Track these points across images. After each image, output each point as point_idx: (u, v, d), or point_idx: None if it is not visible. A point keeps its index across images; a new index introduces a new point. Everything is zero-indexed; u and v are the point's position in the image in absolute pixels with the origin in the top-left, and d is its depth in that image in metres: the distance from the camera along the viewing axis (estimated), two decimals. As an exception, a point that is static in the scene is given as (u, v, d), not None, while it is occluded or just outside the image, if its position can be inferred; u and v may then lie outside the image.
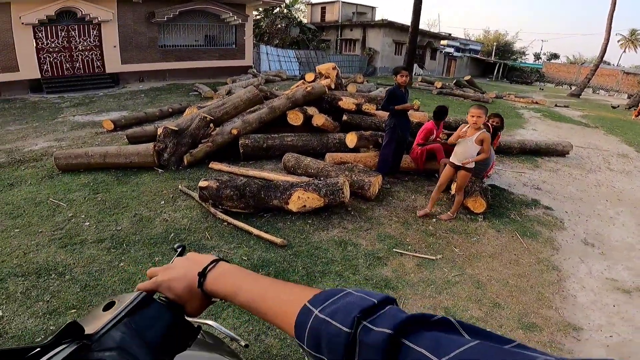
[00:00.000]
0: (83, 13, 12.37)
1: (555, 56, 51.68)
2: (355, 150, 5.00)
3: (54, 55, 12.59)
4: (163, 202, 3.85)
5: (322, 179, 4.08)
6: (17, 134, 6.73)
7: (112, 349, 0.49)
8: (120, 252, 2.92)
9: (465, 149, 3.43)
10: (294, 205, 3.54)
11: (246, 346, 0.83)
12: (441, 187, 3.70)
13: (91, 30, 13.02)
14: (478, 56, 37.35)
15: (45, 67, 12.51)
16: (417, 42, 16.38)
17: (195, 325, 0.60)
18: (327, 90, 5.36)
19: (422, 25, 26.41)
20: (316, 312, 0.40)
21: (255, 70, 17.44)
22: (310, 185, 3.66)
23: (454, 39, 36.34)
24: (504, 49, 43.40)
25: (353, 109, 5.40)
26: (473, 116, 3.32)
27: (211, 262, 0.56)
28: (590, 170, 6.02)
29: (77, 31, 12.77)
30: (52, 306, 2.30)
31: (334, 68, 5.98)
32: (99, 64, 13.56)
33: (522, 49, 48.27)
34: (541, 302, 2.63)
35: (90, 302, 2.34)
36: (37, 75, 12.29)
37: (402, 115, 4.33)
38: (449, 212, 3.78)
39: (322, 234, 3.36)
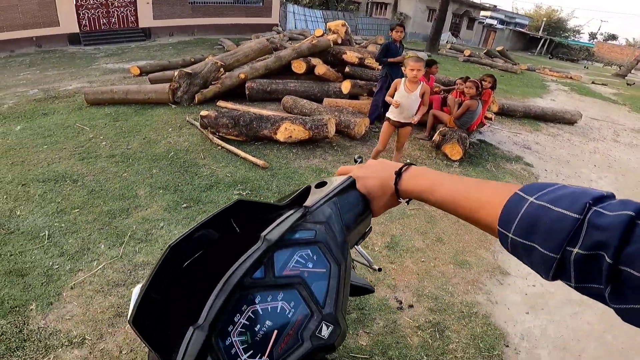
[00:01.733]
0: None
1: (613, 37, 47.35)
2: (354, 97, 5.27)
3: (92, 11, 13.22)
4: (170, 129, 4.39)
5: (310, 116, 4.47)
6: (54, 77, 7.45)
7: (322, 222, 0.54)
8: (126, 165, 3.44)
9: (410, 105, 3.28)
10: (281, 135, 3.98)
11: (379, 269, 0.84)
12: (381, 145, 3.53)
13: (127, -13, 13.47)
14: (522, 30, 34.81)
15: (83, 22, 13.20)
16: (447, 10, 15.62)
17: None
18: (332, 44, 5.56)
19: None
20: (531, 199, 0.39)
21: (280, 28, 17.43)
22: (297, 119, 4.07)
23: (499, 10, 33.93)
24: (555, 26, 40.18)
25: (356, 62, 5.60)
26: (412, 69, 3.11)
27: (404, 165, 0.58)
28: (593, 139, 5.96)
29: (114, -13, 13.27)
30: (61, 207, 2.71)
31: (343, 25, 6.11)
32: (132, 19, 14.12)
33: (578, 27, 44.49)
34: (481, 243, 2.83)
35: (92, 204, 2.75)
36: (76, 29, 13.03)
37: (394, 67, 4.51)
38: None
39: (303, 162, 3.78)
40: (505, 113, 6.31)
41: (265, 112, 4.88)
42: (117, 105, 5.18)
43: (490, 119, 5.67)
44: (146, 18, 14.26)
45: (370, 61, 5.77)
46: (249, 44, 5.85)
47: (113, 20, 13.80)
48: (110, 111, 4.95)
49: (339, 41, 5.91)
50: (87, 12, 13.10)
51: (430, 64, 4.63)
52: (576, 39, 40.99)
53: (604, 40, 44.66)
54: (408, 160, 3.35)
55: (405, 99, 3.25)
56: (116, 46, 12.81)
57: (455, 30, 26.87)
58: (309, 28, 20.21)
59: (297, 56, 5.46)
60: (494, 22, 32.61)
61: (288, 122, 4.04)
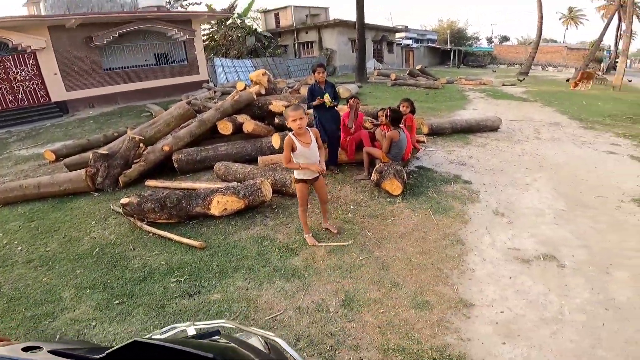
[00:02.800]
0: (14, 43, 12.05)
1: (505, 38, 54.28)
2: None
3: None
4: (94, 222, 3.95)
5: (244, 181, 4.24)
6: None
7: None
8: (46, 268, 3.16)
9: (313, 156, 2.91)
10: (215, 209, 3.69)
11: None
12: (303, 205, 3.14)
13: (27, 60, 12.68)
14: (434, 45, 38.51)
15: None
16: (364, 38, 16.76)
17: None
18: (254, 96, 5.47)
19: (378, 21, 27.06)
20: None
21: (211, 84, 17.40)
22: (228, 189, 3.82)
23: (410, 30, 37.36)
24: (459, 36, 44.97)
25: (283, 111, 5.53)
26: (295, 120, 2.75)
27: None
28: (518, 141, 6.39)
29: (12, 62, 12.42)
30: (-19, 317, 2.48)
31: (264, 74, 6.11)
32: (42, 93, 13.21)
33: (475, 34, 50.33)
34: (438, 279, 2.73)
35: (13, 311, 2.64)
36: None
37: (321, 110, 4.47)
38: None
39: (243, 232, 3.49)
40: (436, 132, 6.58)
41: (198, 185, 4.57)
42: (31, 203, 4.65)
43: (423, 142, 5.84)
44: (58, 91, 13.42)
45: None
46: (169, 111, 5.57)
47: (20, 96, 12.80)
48: (23, 210, 4.46)
49: (263, 91, 5.85)
50: (-12, 91, 12.00)
51: (349, 99, 4.68)
52: (478, 45, 46.07)
53: (499, 42, 50.72)
54: (352, 207, 3.29)
55: (307, 153, 2.89)
56: (30, 126, 11.74)
57: (378, 56, 28.88)
58: (243, 79, 20.48)
59: (222, 116, 5.27)
60: (409, 42, 35.71)
61: (219, 195, 3.78)
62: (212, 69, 19.19)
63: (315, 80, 4.50)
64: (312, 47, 26.92)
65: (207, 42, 24.49)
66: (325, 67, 4.52)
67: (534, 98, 11.72)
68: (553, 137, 6.72)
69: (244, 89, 5.80)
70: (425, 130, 6.59)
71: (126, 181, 4.94)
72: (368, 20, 19.44)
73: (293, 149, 2.86)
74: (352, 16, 16.96)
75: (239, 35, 23.49)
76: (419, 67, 18.49)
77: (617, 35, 34.09)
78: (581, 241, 3.18)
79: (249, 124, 5.17)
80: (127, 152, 5.02)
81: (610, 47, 33.80)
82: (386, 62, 29.15)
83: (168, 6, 20.39)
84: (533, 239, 3.24)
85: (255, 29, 26.25)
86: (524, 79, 16.71)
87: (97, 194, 4.75)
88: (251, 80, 6.17)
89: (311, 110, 4.62)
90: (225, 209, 3.73)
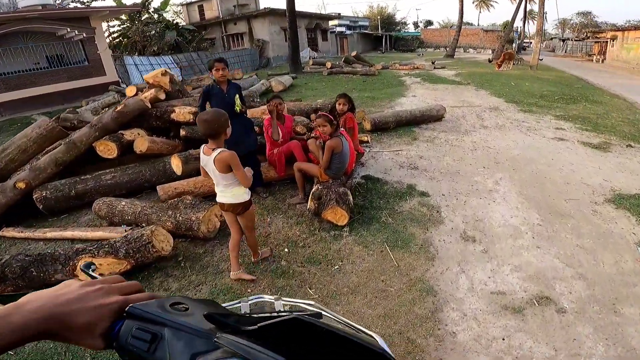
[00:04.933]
0: None
1: (429, 23, 57.05)
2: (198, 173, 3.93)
3: None
4: None
5: (133, 229, 3.03)
6: None
7: None
8: None
9: (218, 182, 2.32)
10: (85, 275, 2.41)
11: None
12: (236, 232, 2.49)
13: None
14: (366, 31, 38.69)
15: None
16: (296, 27, 15.65)
17: None
18: (148, 104, 4.13)
19: (311, 9, 26.03)
20: None
21: (123, 85, 15.01)
22: (101, 248, 2.61)
23: (343, 17, 36.95)
24: (388, 22, 45.96)
25: (191, 120, 4.27)
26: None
27: None
28: (466, 131, 5.88)
29: None
30: None
31: (164, 74, 4.73)
32: None
33: (403, 19, 52.00)
34: (412, 355, 1.93)
35: None
36: None
37: (230, 117, 3.34)
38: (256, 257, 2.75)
39: None
40: (379, 128, 5.81)
41: (70, 233, 3.27)
42: None
43: (367, 142, 5.02)
44: None
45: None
46: (24, 132, 3.99)
47: None
48: None
49: (162, 96, 4.52)
50: None
51: (270, 101, 3.62)
52: (406, 30, 47.71)
53: (424, 26, 53.08)
54: (286, 249, 2.22)
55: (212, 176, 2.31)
56: None
57: (313, 45, 27.93)
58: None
59: (101, 134, 3.87)
60: (343, 29, 35.32)
61: (87, 258, 2.57)
62: (123, 69, 16.63)
63: (213, 80, 3.35)
64: (242, 38, 25.09)
65: (118, 40, 21.53)
66: (226, 62, 3.32)
67: (467, 81, 11.68)
68: (497, 124, 6.35)
69: (135, 94, 4.42)
70: (367, 126, 5.78)
71: (-38, 239, 3.40)
72: (299, 8, 18.33)
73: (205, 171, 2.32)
74: (283, 4, 15.67)
75: (158, 30, 20.87)
76: (353, 53, 17.93)
77: (524, 17, 37.26)
78: (573, 269, 2.55)
79: (141, 142, 3.85)
80: (-45, 199, 3.44)
81: (518, 29, 36.67)
82: (321, 51, 28.36)
83: (57, 3, 17.12)
84: (518, 273, 2.53)
85: (177, 23, 23.70)
86: (434, 62, 17.04)
87: None
88: (147, 83, 4.77)
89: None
90: (102, 274, 2.51)
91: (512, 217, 3.33)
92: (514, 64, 17.45)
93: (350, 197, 3.17)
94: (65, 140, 3.82)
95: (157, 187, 3.63)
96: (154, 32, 20.74)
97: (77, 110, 6.89)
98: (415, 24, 55.65)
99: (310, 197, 3.13)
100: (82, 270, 0.64)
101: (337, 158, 3.15)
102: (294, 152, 3.55)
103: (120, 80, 15.62)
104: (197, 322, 0.46)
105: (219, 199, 2.40)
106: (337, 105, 3.91)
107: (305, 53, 25.26)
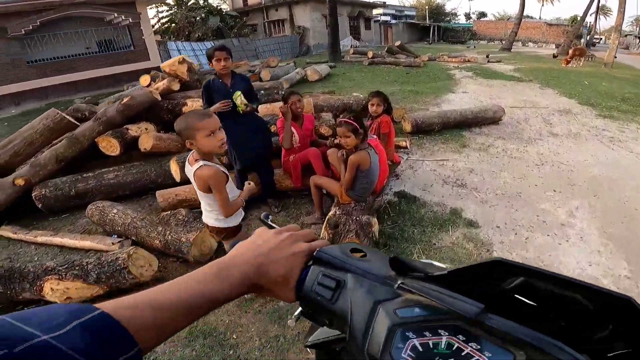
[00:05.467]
0: None
1: (483, 14, 53.38)
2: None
3: None
4: None
5: (122, 241, 2.63)
6: None
7: None
8: None
9: (200, 199, 1.87)
10: (54, 297, 2.18)
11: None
12: None
13: None
14: (412, 21, 36.72)
15: None
16: (336, 14, 14.82)
17: None
18: (157, 96, 3.69)
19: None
20: None
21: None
22: (70, 269, 2.23)
23: (388, 6, 35.27)
24: (437, 12, 43.54)
25: (205, 115, 3.79)
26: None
27: None
28: (530, 140, 4.87)
29: None
30: None
31: (181, 62, 4.29)
32: (-43, 91, 10.85)
33: (453, 10, 49.09)
34: None
35: None
36: None
37: (228, 118, 2.72)
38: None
39: None
40: (421, 130, 4.99)
41: (58, 240, 2.96)
42: None
43: (406, 147, 4.26)
44: (-27, 89, 11.09)
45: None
46: (32, 124, 3.73)
47: None
48: None
49: (176, 87, 4.07)
50: None
51: (285, 99, 2.99)
52: (457, 22, 44.88)
53: (477, 18, 49.61)
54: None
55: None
56: None
57: (355, 33, 26.85)
58: (203, 62, 18.26)
59: (107, 128, 3.51)
60: (388, 18, 33.71)
61: (53, 279, 2.21)
62: (167, 54, 16.87)
63: (215, 74, 2.78)
64: (283, 25, 24.64)
65: (167, 26, 21.99)
66: (229, 51, 2.68)
67: (528, 77, 10.24)
68: (570, 131, 5.23)
69: (149, 85, 4.03)
70: (407, 127, 4.98)
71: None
72: (343, -6, 17.44)
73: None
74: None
75: (203, 16, 20.99)
76: (397, 43, 16.70)
77: (596, 12, 33.33)
78: None
79: (145, 139, 3.43)
80: (-45, 191, 3.25)
81: (588, 24, 33.00)
82: (363, 40, 27.19)
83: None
84: None
85: (220, 9, 23.72)
86: (488, 55, 15.23)
87: None
88: (164, 71, 4.36)
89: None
90: (69, 297, 2.18)
91: (591, 264, 2.49)
92: (586, 60, 15.33)
93: (376, 227, 2.49)
94: (67, 135, 3.50)
95: (157, 192, 3.19)
96: (198, 17, 20.88)
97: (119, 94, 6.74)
98: (467, 15, 52.26)
99: (324, 224, 2.50)
100: (261, 220, 0.61)
101: (362, 177, 2.47)
102: (311, 161, 2.92)
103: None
104: (377, 269, 0.43)
105: (203, 218, 1.97)
106: (369, 105, 3.20)
107: (347, 41, 24.30)
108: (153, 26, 21.28)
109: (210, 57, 2.64)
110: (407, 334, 0.34)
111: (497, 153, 4.40)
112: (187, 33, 21.15)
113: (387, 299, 0.38)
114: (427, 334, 0.33)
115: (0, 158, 3.60)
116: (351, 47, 21.12)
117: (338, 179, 2.75)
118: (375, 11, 30.97)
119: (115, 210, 2.90)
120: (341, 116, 2.52)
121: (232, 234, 1.93)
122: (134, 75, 13.85)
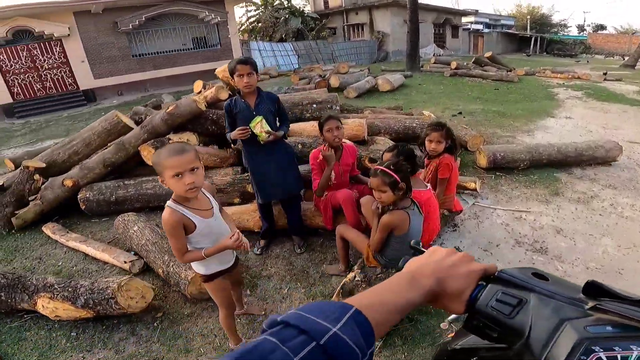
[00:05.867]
0: (37, 31, 11.59)
1: (601, 27, 45.86)
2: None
3: (22, 76, 12.02)
4: None
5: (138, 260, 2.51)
6: None
7: None
8: None
9: (219, 230, 1.63)
10: (46, 312, 2.19)
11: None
12: (229, 309, 1.82)
13: (53, 47, 12.27)
14: (509, 31, 33.12)
15: (14, 90, 11.98)
16: (417, 21, 13.83)
17: None
18: (203, 107, 3.56)
19: (443, 2, 23.46)
20: None
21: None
22: (64, 290, 2.16)
23: (481, 15, 32.40)
24: (541, 22, 38.82)
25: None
26: (175, 170, 1.39)
27: None
28: (651, 194, 3.65)
29: (38, 49, 12.08)
30: None
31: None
32: (70, 81, 12.85)
33: (563, 21, 43.26)
34: None
35: None
36: (8, 99, 11.80)
37: (252, 146, 2.39)
38: None
39: (76, 356, 1.93)
40: (500, 166, 4.09)
41: (85, 248, 2.99)
42: None
43: (474, 189, 3.48)
44: (85, 78, 12.95)
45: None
46: (91, 125, 3.93)
47: (48, 84, 12.52)
48: None
49: (224, 96, 3.91)
50: (16, 78, 11.85)
51: (321, 125, 2.51)
52: (566, 33, 39.38)
53: (593, 31, 42.75)
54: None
55: (212, 226, 1.56)
56: (47, 116, 11.36)
57: (440, 41, 25.14)
58: (281, 64, 18.82)
59: (151, 136, 3.50)
60: (480, 26, 30.98)
61: (45, 297, 2.18)
62: (247, 54, 17.76)
63: (237, 92, 2.43)
64: (362, 29, 24.20)
65: (254, 25, 23.25)
66: (254, 64, 2.29)
67: (659, 102, 8.12)
68: None
69: (200, 92, 3.94)
70: (482, 162, 4.11)
71: (20, 224, 3.53)
72: (429, 1, 16.28)
73: (187, 230, 1.49)
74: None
75: (286, 16, 21.71)
76: (488, 54, 14.97)
77: None
78: None
79: (183, 152, 3.32)
80: (20, 185, 3.56)
81: None
82: (449, 48, 25.30)
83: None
84: None
85: (302, 10, 24.26)
86: (606, 72, 12.22)
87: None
88: (218, 78, 4.27)
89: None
90: (59, 316, 2.15)
91: None
92: None
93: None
94: (115, 141, 3.58)
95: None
96: (282, 18, 21.60)
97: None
98: (580, 27, 45.53)
99: (337, 289, 1.99)
100: (411, 246, 0.69)
101: (396, 242, 1.89)
102: (342, 206, 2.42)
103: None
104: (565, 291, 0.46)
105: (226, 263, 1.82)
106: (426, 142, 2.54)
107: (430, 49, 22.86)
108: (242, 25, 22.75)
109: (232, 72, 2.29)
110: (593, 347, 0.37)
111: (601, 209, 3.34)
112: (270, 33, 22.08)
113: (576, 317, 0.42)
114: (616, 348, 0.37)
115: (60, 157, 3.85)
116: (433, 55, 19.75)
117: (370, 230, 2.22)
118: (465, 19, 28.67)
119: (136, 227, 2.80)
120: (380, 158, 1.98)
121: (205, 281, 1.71)
122: (218, 74, 14.87)
